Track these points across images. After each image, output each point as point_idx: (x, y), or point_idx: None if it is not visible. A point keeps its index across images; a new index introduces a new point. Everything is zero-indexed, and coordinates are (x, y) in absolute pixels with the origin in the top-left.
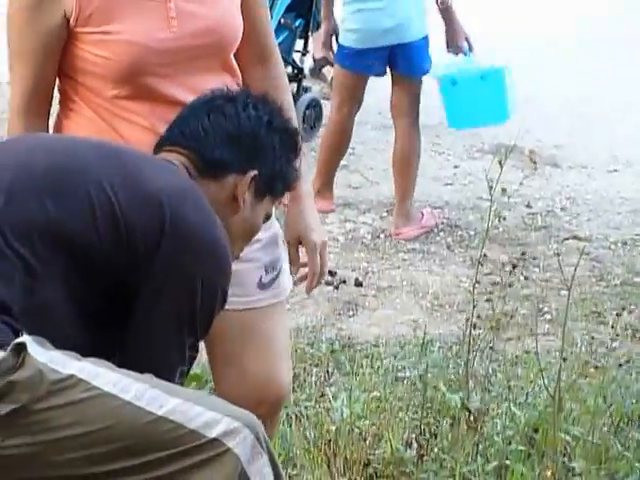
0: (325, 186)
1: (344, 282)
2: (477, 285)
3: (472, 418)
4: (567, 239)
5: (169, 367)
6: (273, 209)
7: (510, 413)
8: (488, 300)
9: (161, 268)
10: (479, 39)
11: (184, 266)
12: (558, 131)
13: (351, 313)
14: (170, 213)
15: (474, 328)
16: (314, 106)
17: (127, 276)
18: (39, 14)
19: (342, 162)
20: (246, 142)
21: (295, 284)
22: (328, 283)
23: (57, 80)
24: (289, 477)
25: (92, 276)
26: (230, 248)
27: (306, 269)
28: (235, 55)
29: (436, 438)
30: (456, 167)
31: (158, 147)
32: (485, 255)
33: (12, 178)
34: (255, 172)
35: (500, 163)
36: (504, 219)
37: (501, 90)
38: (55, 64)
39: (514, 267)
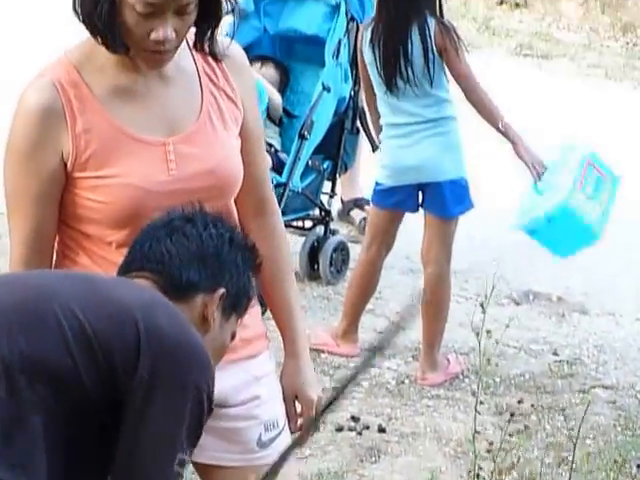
0: (350, 329)
1: (367, 428)
2: (500, 433)
3: None
4: (593, 387)
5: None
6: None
7: None
8: (512, 449)
9: (146, 382)
10: None
11: (166, 378)
12: (586, 278)
13: (373, 459)
14: (144, 327)
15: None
16: (341, 249)
17: (106, 397)
18: (36, 158)
19: (368, 306)
20: (211, 261)
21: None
22: (351, 429)
23: None
24: None
25: (70, 401)
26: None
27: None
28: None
29: None
30: (485, 312)
31: (122, 272)
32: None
33: None
34: (223, 290)
35: (482, 306)
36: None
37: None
38: (55, 211)
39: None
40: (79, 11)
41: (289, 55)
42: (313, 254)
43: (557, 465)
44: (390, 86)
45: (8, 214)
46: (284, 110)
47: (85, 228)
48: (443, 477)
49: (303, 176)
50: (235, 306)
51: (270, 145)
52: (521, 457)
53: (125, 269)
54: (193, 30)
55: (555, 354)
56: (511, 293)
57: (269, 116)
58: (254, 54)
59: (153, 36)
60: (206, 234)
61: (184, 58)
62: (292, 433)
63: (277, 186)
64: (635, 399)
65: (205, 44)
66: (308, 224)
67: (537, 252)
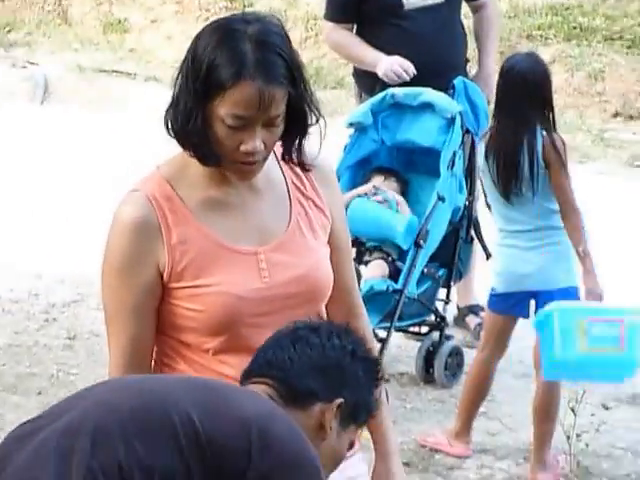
0: (464, 430)
1: None
2: None
3: None
4: None
5: None
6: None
7: None
8: None
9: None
10: None
11: (285, 473)
12: None
13: None
14: (258, 438)
15: None
16: (456, 354)
17: None
18: (133, 272)
19: (481, 409)
20: (332, 371)
21: None
22: None
23: None
24: None
25: None
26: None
27: None
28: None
29: None
30: (592, 415)
31: (244, 378)
32: None
33: (96, 420)
34: (341, 400)
35: (573, 410)
36: None
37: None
38: (153, 323)
39: None
40: (172, 126)
41: (406, 166)
42: (429, 358)
43: None
44: (506, 196)
45: (107, 327)
46: None
47: (183, 337)
48: None
49: (419, 283)
50: (354, 417)
51: (388, 254)
52: None
53: (247, 375)
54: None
55: None
56: (618, 394)
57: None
58: (373, 165)
59: (243, 148)
60: (329, 345)
61: (273, 170)
62: None
63: (394, 292)
64: None
65: (293, 155)
66: (424, 329)
67: None
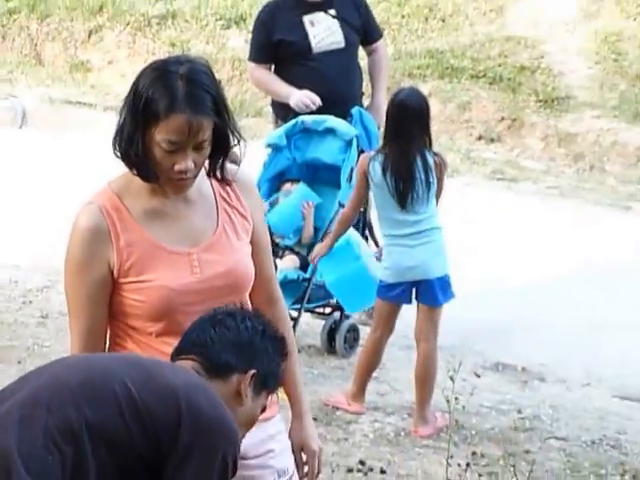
0: (359, 392)
1: (371, 470)
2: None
3: None
4: (549, 439)
5: None
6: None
7: None
8: None
9: (183, 449)
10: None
11: (200, 448)
12: (544, 353)
13: None
14: (186, 405)
15: None
16: (353, 330)
17: (154, 458)
18: (88, 270)
19: (373, 375)
20: (245, 348)
21: None
22: (359, 470)
23: None
24: None
25: (123, 459)
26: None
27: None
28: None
29: None
30: (464, 380)
31: (175, 356)
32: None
33: (51, 391)
34: (254, 371)
35: (451, 378)
36: None
37: None
38: (105, 310)
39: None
40: (118, 149)
41: (313, 180)
42: (331, 334)
43: None
44: (402, 204)
45: (69, 315)
46: None
47: (130, 322)
48: None
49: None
50: (265, 385)
51: (297, 252)
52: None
53: (176, 353)
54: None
55: (519, 412)
56: (485, 364)
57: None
58: (286, 179)
59: (177, 167)
60: (243, 326)
61: (204, 185)
62: (300, 478)
63: (303, 280)
64: (581, 448)
65: (217, 172)
66: (327, 310)
67: (504, 331)
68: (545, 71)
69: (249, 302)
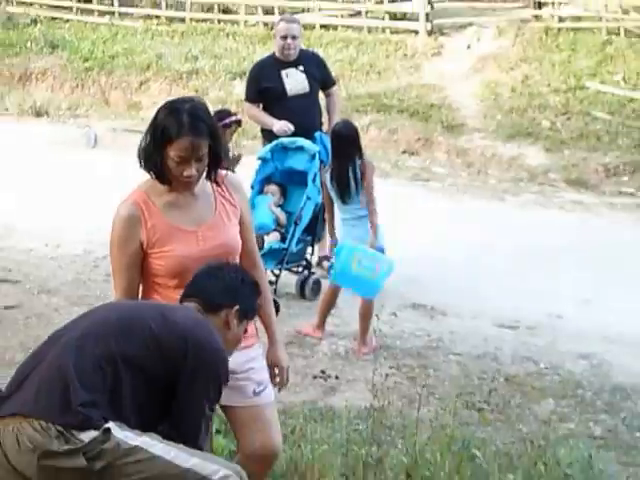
0: (321, 324)
1: (329, 377)
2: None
3: None
4: (448, 354)
5: (199, 425)
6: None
7: None
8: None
9: (190, 371)
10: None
11: (202, 368)
12: (446, 295)
13: (332, 394)
14: (191, 339)
15: None
16: (317, 282)
17: (169, 378)
18: (126, 245)
19: (331, 312)
20: (231, 290)
21: (279, 391)
22: (320, 377)
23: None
24: None
25: (150, 378)
26: (225, 352)
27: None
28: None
29: None
30: (393, 315)
31: (182, 299)
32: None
33: (97, 328)
34: (237, 307)
35: (377, 316)
36: None
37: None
38: (138, 272)
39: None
40: (143, 164)
41: (288, 181)
42: (302, 285)
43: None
44: (342, 199)
45: (113, 277)
46: (284, 210)
47: (156, 279)
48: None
49: (297, 244)
50: (245, 315)
51: (278, 230)
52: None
53: (183, 296)
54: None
55: (428, 336)
56: (406, 304)
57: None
58: (271, 181)
59: (185, 173)
60: (228, 276)
61: (206, 185)
62: (273, 386)
63: (283, 250)
64: (471, 360)
65: (212, 176)
66: (300, 269)
67: (418, 282)
68: (447, 107)
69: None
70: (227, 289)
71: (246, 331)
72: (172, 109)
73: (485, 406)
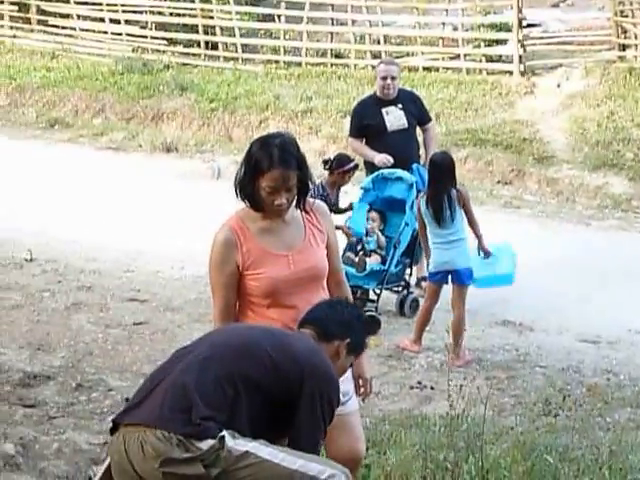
0: (417, 339)
1: (425, 387)
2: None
3: None
4: (535, 367)
5: (317, 444)
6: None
7: None
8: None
9: (308, 397)
10: None
11: (320, 387)
12: (533, 313)
13: (428, 402)
14: (306, 365)
15: None
16: (415, 301)
17: (287, 398)
18: (223, 266)
19: (427, 328)
20: (346, 324)
21: (363, 401)
22: (417, 387)
23: None
24: None
25: (266, 398)
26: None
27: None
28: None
29: None
30: (483, 331)
31: (300, 325)
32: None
33: (220, 351)
34: (349, 340)
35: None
36: None
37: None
38: (235, 293)
39: None
40: (239, 194)
41: (388, 208)
42: (401, 303)
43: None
44: (438, 223)
45: (212, 296)
46: (384, 234)
47: (251, 298)
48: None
49: (396, 266)
50: (354, 351)
51: (378, 253)
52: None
53: (302, 323)
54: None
55: (517, 350)
56: (497, 320)
57: (379, 244)
58: (372, 208)
59: (276, 202)
60: (346, 310)
61: (295, 212)
62: (358, 397)
63: (383, 271)
64: (555, 372)
65: (301, 204)
66: (399, 289)
67: (507, 301)
68: (539, 141)
69: (325, 286)
70: (343, 322)
71: (351, 365)
72: (264, 143)
73: (567, 414)
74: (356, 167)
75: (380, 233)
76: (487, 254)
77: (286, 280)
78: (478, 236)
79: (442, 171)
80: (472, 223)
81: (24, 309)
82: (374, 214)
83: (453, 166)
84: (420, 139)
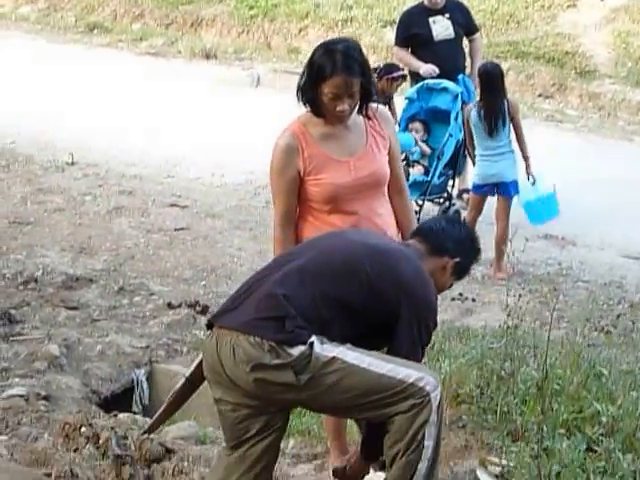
0: None
1: (466, 299)
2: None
3: None
4: (577, 282)
5: (418, 361)
6: None
7: None
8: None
9: (406, 314)
10: None
11: (418, 313)
12: (576, 227)
13: (469, 314)
14: (406, 289)
15: None
16: (457, 212)
17: (383, 320)
18: (284, 172)
19: None
20: (460, 244)
21: None
22: (458, 299)
23: None
24: None
25: (361, 319)
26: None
27: None
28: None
29: None
30: (526, 244)
31: (413, 235)
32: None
33: (315, 267)
34: (458, 260)
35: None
36: None
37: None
38: (295, 199)
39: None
40: (300, 98)
41: (433, 119)
42: (444, 215)
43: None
44: (490, 134)
45: (273, 203)
46: (429, 145)
47: (312, 204)
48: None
49: (439, 177)
50: (459, 273)
51: (421, 163)
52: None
53: (415, 233)
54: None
55: (559, 265)
56: (539, 234)
57: (422, 154)
58: (416, 118)
59: (338, 108)
60: (463, 230)
61: (357, 118)
62: None
63: (426, 182)
64: (598, 287)
65: (364, 110)
66: (441, 200)
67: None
68: (581, 55)
69: (386, 192)
70: (458, 241)
71: (450, 286)
72: (327, 49)
73: (612, 329)
74: (405, 76)
75: (424, 144)
76: (533, 179)
77: (347, 186)
78: (525, 157)
79: (495, 81)
80: (520, 138)
81: (66, 212)
82: (418, 125)
83: (503, 75)
84: (466, 50)
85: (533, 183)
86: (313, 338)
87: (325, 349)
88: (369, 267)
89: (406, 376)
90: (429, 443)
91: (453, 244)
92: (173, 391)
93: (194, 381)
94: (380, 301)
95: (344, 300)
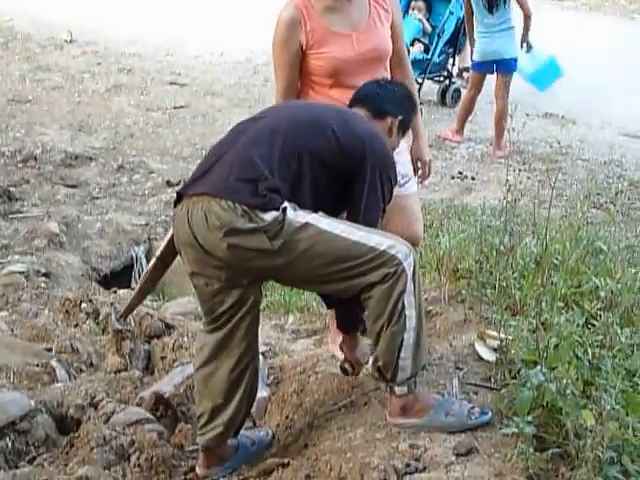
0: (460, 129)
1: (466, 177)
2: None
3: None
4: (576, 160)
5: (376, 218)
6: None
7: None
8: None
9: (368, 174)
10: None
11: (381, 164)
12: (576, 105)
13: (468, 192)
14: (368, 145)
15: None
16: (456, 91)
17: (349, 175)
18: (286, 45)
19: (469, 118)
20: (397, 102)
21: (421, 182)
22: (458, 177)
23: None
24: None
25: (329, 173)
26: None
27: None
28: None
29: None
30: (525, 123)
31: (351, 104)
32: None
33: (286, 125)
34: (401, 117)
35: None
36: None
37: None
38: (297, 73)
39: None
40: None
41: None
42: (443, 93)
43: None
44: (490, 10)
45: (275, 77)
46: (429, 23)
47: (313, 78)
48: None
49: (439, 55)
50: (403, 129)
51: (424, 43)
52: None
53: (352, 102)
54: None
55: (558, 143)
56: (538, 112)
57: (424, 31)
58: None
59: None
60: (397, 89)
61: None
62: (417, 179)
63: (426, 60)
64: (597, 166)
65: None
66: (441, 78)
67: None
68: None
69: (388, 66)
70: (395, 100)
71: (398, 143)
72: None
73: (611, 207)
74: None
75: (426, 21)
76: (529, 47)
77: (349, 60)
78: (527, 16)
79: None
80: (525, 5)
81: (64, 90)
82: (420, 3)
83: None
84: None
85: (528, 50)
86: (286, 204)
87: (298, 215)
88: (335, 124)
89: (377, 243)
90: (410, 312)
91: (391, 105)
92: (146, 272)
93: (165, 259)
94: (347, 155)
95: (313, 152)
